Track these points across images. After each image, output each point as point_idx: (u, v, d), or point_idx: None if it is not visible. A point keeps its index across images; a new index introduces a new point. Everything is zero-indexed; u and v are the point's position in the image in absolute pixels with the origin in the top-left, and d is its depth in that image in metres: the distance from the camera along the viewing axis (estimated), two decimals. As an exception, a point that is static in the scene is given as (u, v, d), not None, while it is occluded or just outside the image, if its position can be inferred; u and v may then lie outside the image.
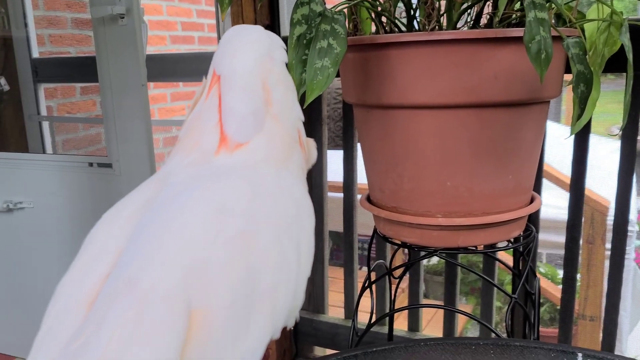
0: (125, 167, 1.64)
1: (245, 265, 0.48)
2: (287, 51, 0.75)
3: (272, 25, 1.59)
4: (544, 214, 1.45)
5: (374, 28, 1.12)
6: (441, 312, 1.82)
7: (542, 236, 3.22)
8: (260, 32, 0.71)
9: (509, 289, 2.83)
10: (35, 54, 2.41)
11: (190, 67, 2.09)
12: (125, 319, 0.41)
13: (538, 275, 1.22)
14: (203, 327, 0.43)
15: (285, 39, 0.79)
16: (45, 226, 1.81)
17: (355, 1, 1.02)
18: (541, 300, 3.39)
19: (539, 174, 1.39)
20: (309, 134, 1.73)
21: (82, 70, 2.28)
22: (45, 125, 2.50)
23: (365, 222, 1.73)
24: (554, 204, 2.90)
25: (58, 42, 2.65)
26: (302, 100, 0.86)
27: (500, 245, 1.13)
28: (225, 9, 0.84)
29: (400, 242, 1.11)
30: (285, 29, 1.58)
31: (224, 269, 0.47)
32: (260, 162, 0.61)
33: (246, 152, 0.61)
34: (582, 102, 0.84)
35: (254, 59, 0.66)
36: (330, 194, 1.84)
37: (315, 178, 1.74)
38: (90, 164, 1.70)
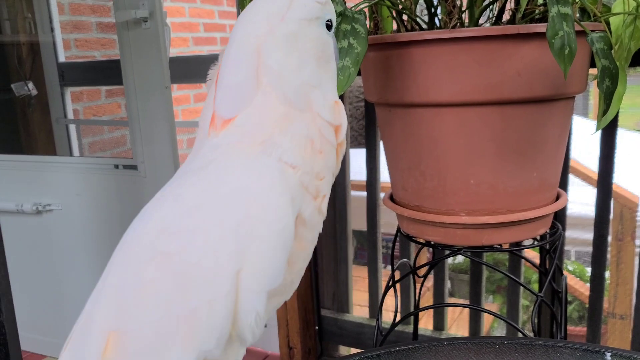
0: (150, 169, 1.66)
1: (157, 288, 0.49)
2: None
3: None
4: (572, 210, 1.43)
5: (395, 26, 1.12)
6: (467, 311, 1.81)
7: (570, 233, 3.17)
8: None
9: (535, 287, 2.80)
10: (62, 58, 2.46)
11: (213, 69, 2.10)
12: (73, 338, 0.52)
13: (565, 273, 1.20)
14: (116, 348, 0.48)
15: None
16: (73, 228, 1.84)
17: (376, 0, 1.02)
18: (569, 299, 3.35)
19: (565, 170, 1.37)
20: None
21: (107, 73, 2.31)
22: (72, 128, 2.55)
23: (388, 221, 1.73)
24: (581, 200, 2.86)
25: (83, 46, 2.70)
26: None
27: (526, 243, 1.12)
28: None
29: (424, 241, 1.11)
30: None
31: (137, 291, 0.49)
32: (233, 145, 0.55)
33: (228, 131, 0.56)
34: (607, 98, 0.82)
35: (253, 22, 0.59)
36: (353, 193, 1.84)
37: (338, 177, 1.75)
38: (116, 166, 1.72)
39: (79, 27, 2.68)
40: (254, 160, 0.53)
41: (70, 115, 2.51)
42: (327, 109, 0.59)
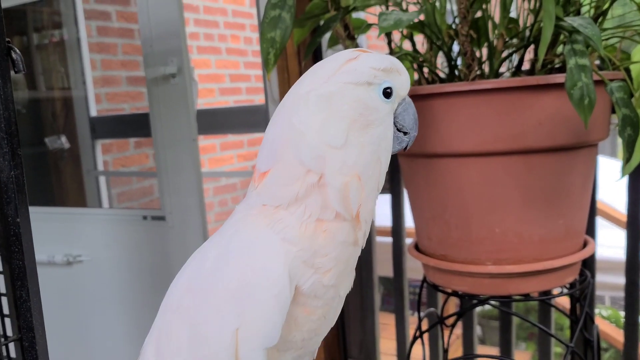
0: (178, 220, 1.68)
1: (179, 336, 0.61)
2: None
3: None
4: (604, 254, 1.41)
5: (416, 75, 1.14)
6: None
7: (604, 278, 3.09)
8: (335, 60, 0.63)
9: (568, 334, 2.73)
10: (93, 112, 2.54)
11: (239, 119, 2.15)
12: None
13: (599, 319, 1.18)
14: None
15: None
16: (103, 278, 1.86)
17: (397, 55, 1.05)
18: (605, 346, 3.24)
19: (592, 214, 1.35)
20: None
21: (136, 125, 2.38)
22: (102, 179, 2.61)
23: (415, 267, 1.71)
24: (613, 243, 2.79)
25: (113, 99, 2.79)
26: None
27: (555, 291, 1.11)
28: (270, 69, 0.88)
29: (450, 291, 1.10)
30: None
31: (167, 336, 0.62)
32: (252, 215, 0.62)
33: (259, 189, 0.63)
34: (629, 146, 0.82)
35: (303, 81, 0.63)
36: (379, 239, 1.84)
37: (363, 225, 1.74)
38: (145, 217, 1.76)
39: (110, 81, 2.78)
40: (261, 235, 0.60)
41: (101, 167, 2.58)
42: (340, 177, 0.60)
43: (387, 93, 0.63)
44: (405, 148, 0.70)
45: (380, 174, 0.64)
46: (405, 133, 0.69)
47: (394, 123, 0.67)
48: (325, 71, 0.62)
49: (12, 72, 0.65)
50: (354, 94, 0.61)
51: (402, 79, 0.65)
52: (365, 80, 0.61)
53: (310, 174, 0.59)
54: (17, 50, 0.59)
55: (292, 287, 0.58)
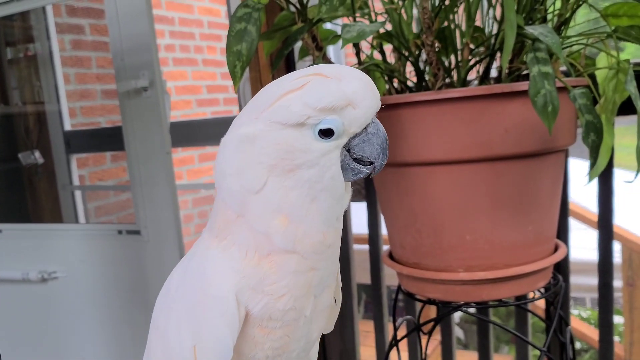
0: (153, 234, 1.67)
1: (155, 351, 0.67)
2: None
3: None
4: (581, 256, 1.42)
5: (387, 85, 1.15)
6: (477, 364, 1.78)
7: (582, 280, 3.11)
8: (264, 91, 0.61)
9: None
10: (68, 127, 2.52)
11: (215, 131, 2.14)
12: None
13: (576, 323, 1.19)
14: None
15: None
16: (79, 295, 1.84)
17: (366, 64, 1.05)
18: (584, 347, 3.27)
19: (565, 216, 1.37)
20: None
21: (111, 139, 2.36)
22: (78, 193, 2.58)
23: (393, 273, 1.72)
24: (590, 245, 2.82)
25: (89, 113, 2.76)
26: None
27: (530, 295, 1.11)
28: (237, 82, 0.88)
29: (425, 298, 1.10)
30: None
31: (151, 349, 0.68)
32: (206, 243, 0.64)
33: (210, 220, 0.65)
34: (594, 151, 0.84)
35: (244, 110, 0.62)
36: (357, 247, 1.84)
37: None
38: (120, 232, 1.74)
39: (85, 95, 2.76)
40: (212, 259, 0.62)
41: (76, 182, 2.55)
42: (263, 221, 0.59)
43: (328, 131, 0.57)
44: (370, 175, 0.63)
45: (321, 211, 0.59)
46: (369, 162, 0.62)
47: (352, 153, 0.61)
48: (262, 101, 0.58)
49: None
50: (278, 137, 0.57)
51: (356, 114, 0.58)
52: (294, 122, 0.56)
53: (235, 215, 0.60)
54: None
55: (241, 309, 0.60)
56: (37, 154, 2.44)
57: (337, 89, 0.56)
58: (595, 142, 0.84)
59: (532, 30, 0.83)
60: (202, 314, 0.61)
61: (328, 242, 0.61)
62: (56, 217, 2.54)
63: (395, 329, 1.17)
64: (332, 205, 0.60)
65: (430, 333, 1.29)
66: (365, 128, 0.60)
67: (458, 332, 3.77)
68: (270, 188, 0.58)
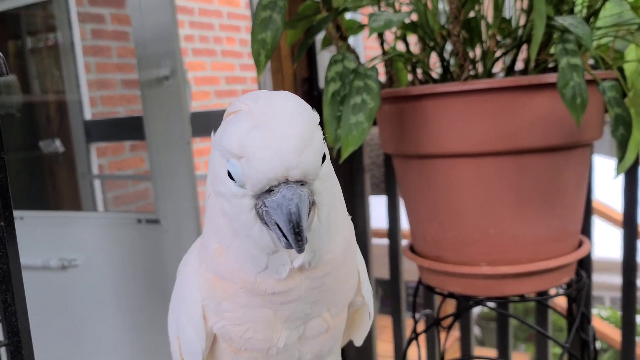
0: (173, 223, 1.67)
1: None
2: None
3: (310, 78, 1.63)
4: (603, 255, 1.39)
5: (410, 76, 1.14)
6: (495, 361, 1.76)
7: (603, 278, 3.07)
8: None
9: (567, 335, 2.72)
10: (88, 116, 2.53)
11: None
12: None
13: (598, 320, 1.17)
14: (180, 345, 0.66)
15: (323, 92, 0.80)
16: (98, 283, 1.85)
17: (390, 55, 1.04)
18: (604, 347, 3.23)
19: (588, 214, 1.35)
20: (350, 182, 1.74)
21: (131, 129, 2.37)
22: (97, 182, 2.60)
23: (413, 269, 1.71)
24: (612, 244, 2.77)
25: (109, 102, 2.78)
26: (338, 154, 0.87)
27: (552, 291, 1.10)
28: (261, 71, 0.87)
29: (446, 292, 1.10)
30: (322, 80, 1.61)
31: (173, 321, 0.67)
32: (195, 247, 0.65)
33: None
34: (622, 145, 0.82)
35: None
36: (375, 241, 1.83)
37: (359, 226, 1.74)
38: (139, 221, 1.75)
39: (105, 84, 2.77)
40: (188, 272, 0.63)
41: (96, 171, 2.57)
42: (211, 241, 0.57)
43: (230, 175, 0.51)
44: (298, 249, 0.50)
45: (244, 254, 0.53)
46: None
47: (264, 217, 0.50)
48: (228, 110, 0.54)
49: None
50: (213, 154, 0.53)
51: (249, 171, 0.49)
52: (216, 145, 0.52)
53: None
54: (0, 54, 0.58)
55: (206, 322, 0.60)
56: (57, 142, 2.45)
57: (237, 134, 0.49)
58: (624, 135, 0.82)
59: (562, 20, 0.82)
60: (179, 314, 0.63)
61: (274, 289, 0.54)
62: (75, 206, 2.56)
63: (416, 322, 1.16)
64: (255, 254, 0.53)
65: (449, 328, 1.28)
66: (270, 190, 0.49)
67: (475, 329, 3.74)
68: (211, 202, 0.55)
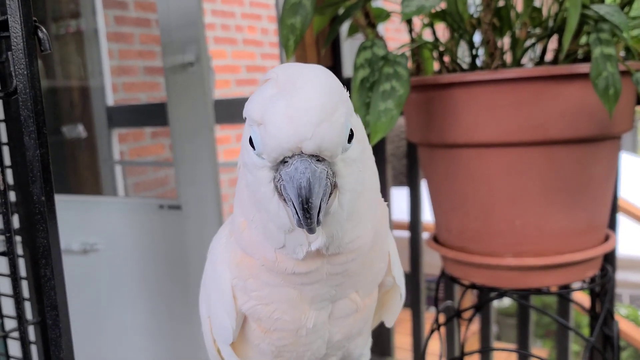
0: (194, 209, 1.68)
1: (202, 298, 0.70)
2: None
3: (335, 66, 1.63)
4: (624, 251, 1.38)
5: (436, 65, 1.13)
6: (514, 356, 1.76)
7: (623, 275, 3.04)
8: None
9: (586, 332, 2.70)
10: (110, 102, 2.55)
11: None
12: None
13: (617, 317, 1.16)
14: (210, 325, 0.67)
15: (346, 81, 0.80)
16: (119, 267, 1.87)
17: (418, 43, 1.03)
18: (622, 345, 3.20)
19: (614, 211, 1.33)
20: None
21: (152, 115, 2.38)
22: (118, 168, 2.62)
23: (431, 262, 1.70)
24: (633, 241, 2.73)
25: (130, 89, 2.79)
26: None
27: (574, 285, 1.09)
28: (290, 56, 0.87)
29: (468, 283, 1.09)
30: (346, 69, 1.61)
31: (206, 299, 0.68)
32: (227, 225, 0.65)
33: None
34: (657, 138, 0.80)
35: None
36: (394, 233, 1.82)
37: (379, 217, 1.73)
38: (161, 206, 1.76)
39: (127, 71, 2.78)
40: (218, 251, 0.63)
41: (117, 157, 2.59)
42: (238, 216, 0.57)
43: (252, 142, 0.50)
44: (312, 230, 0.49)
45: (264, 227, 0.53)
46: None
47: (282, 192, 0.49)
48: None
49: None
50: (245, 126, 0.52)
51: (267, 138, 0.48)
52: (244, 112, 0.51)
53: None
54: (44, 30, 0.59)
55: (235, 302, 0.60)
56: (80, 127, 2.48)
57: (260, 101, 0.49)
58: (659, 128, 0.81)
59: (597, 9, 0.80)
60: (211, 293, 0.64)
61: (293, 269, 0.53)
62: (96, 191, 2.59)
63: (438, 312, 1.15)
64: (273, 230, 0.52)
65: (470, 320, 1.27)
66: (285, 162, 0.48)
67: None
68: (240, 175, 0.55)
